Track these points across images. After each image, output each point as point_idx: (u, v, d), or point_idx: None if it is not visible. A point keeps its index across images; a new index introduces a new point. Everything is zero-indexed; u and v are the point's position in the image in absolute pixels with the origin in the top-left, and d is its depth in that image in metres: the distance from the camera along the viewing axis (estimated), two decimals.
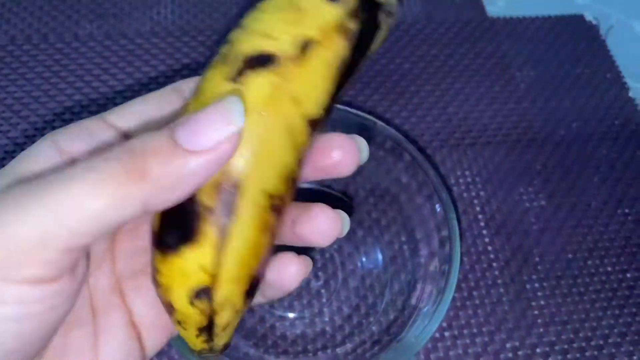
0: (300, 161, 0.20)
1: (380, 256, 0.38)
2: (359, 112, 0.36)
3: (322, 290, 0.37)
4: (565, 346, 0.37)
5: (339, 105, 0.36)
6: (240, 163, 0.19)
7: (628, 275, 0.40)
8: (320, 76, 0.20)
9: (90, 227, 0.17)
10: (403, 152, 0.36)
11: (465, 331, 0.37)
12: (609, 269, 0.40)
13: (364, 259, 0.38)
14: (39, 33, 0.47)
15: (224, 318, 0.22)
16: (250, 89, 0.19)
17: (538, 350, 0.36)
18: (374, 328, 0.35)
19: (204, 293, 0.20)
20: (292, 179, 0.20)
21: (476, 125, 0.45)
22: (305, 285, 0.37)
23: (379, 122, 0.36)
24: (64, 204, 0.16)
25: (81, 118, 0.46)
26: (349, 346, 0.35)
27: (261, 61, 0.19)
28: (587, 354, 0.37)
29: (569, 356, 0.36)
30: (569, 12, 0.53)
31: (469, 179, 0.43)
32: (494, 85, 0.48)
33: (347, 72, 0.21)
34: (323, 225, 0.22)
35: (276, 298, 0.23)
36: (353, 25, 0.20)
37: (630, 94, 0.48)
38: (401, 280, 0.36)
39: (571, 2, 0.54)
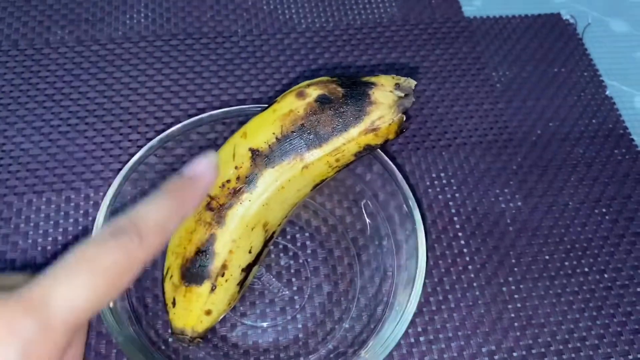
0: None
1: (353, 261, 0.38)
2: None
3: (295, 297, 0.37)
4: (543, 349, 0.36)
5: None
6: None
7: (605, 275, 0.39)
8: (272, 122, 0.32)
9: None
10: (373, 160, 0.36)
11: (440, 335, 0.36)
12: (587, 269, 0.39)
13: (336, 264, 0.38)
14: (9, 39, 0.46)
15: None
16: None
17: (515, 354, 0.36)
18: (347, 334, 0.35)
19: None
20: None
21: (452, 127, 0.45)
22: (277, 292, 0.37)
23: None
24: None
25: (51, 125, 0.45)
26: (322, 352, 0.35)
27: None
28: (565, 356, 0.36)
29: (546, 359, 0.36)
30: (545, 10, 0.53)
31: (444, 181, 0.42)
32: (469, 85, 0.47)
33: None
34: None
35: None
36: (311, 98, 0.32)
37: (608, 92, 0.48)
38: (375, 284, 0.36)
39: (548, 0, 0.54)
